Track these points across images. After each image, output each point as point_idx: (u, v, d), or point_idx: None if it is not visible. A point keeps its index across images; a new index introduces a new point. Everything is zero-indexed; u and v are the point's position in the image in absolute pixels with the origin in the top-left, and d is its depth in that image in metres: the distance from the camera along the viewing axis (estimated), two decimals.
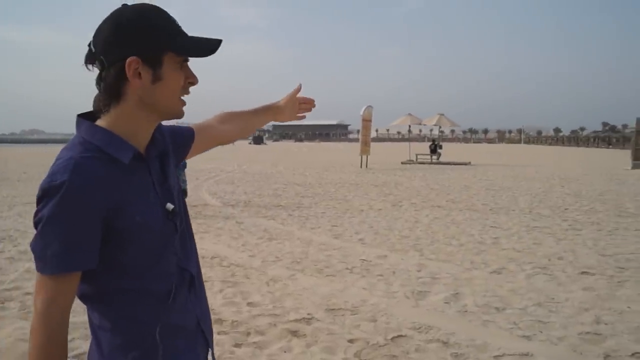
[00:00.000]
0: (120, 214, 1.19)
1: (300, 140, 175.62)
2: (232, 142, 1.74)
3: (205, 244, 7.40)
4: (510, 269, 6.12)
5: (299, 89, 1.88)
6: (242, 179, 18.30)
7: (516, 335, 4.17)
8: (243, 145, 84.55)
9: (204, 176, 19.26)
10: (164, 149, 1.39)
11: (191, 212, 9.05)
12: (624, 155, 32.05)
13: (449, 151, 40.16)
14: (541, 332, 4.22)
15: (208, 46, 1.27)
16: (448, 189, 15.32)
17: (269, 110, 1.84)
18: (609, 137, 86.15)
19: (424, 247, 7.32)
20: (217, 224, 9.09)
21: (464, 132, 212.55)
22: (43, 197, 1.15)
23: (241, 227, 8.86)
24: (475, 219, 9.78)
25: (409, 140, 40.53)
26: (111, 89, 1.23)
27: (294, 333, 4.18)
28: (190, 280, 1.37)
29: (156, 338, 1.27)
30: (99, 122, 1.26)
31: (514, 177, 19.45)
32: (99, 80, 1.24)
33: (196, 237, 1.54)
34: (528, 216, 10.15)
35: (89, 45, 1.24)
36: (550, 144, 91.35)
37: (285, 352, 3.87)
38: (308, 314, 4.61)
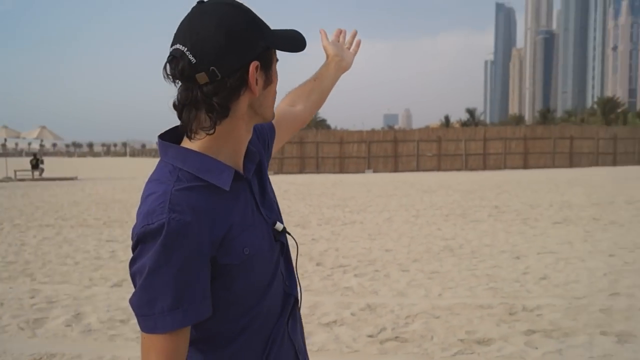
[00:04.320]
0: (226, 249, 1.04)
1: None
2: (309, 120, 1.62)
3: None
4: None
5: (324, 32, 1.66)
6: None
7: None
8: None
9: None
10: (259, 158, 1.20)
11: None
12: None
13: (52, 166, 37.45)
14: None
15: (301, 41, 1.14)
16: (56, 206, 14.32)
17: (329, 67, 1.62)
18: None
19: (36, 271, 6.71)
20: None
21: (67, 145, 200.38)
22: (139, 243, 0.98)
23: None
24: (89, 235, 9.50)
25: (5, 155, 35.67)
26: (226, 103, 1.02)
27: None
28: (293, 305, 1.21)
29: None
30: (189, 143, 1.07)
31: (123, 190, 19.57)
32: (198, 96, 1.01)
33: None
34: None
35: (181, 56, 1.00)
36: (154, 157, 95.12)
37: None
38: None
